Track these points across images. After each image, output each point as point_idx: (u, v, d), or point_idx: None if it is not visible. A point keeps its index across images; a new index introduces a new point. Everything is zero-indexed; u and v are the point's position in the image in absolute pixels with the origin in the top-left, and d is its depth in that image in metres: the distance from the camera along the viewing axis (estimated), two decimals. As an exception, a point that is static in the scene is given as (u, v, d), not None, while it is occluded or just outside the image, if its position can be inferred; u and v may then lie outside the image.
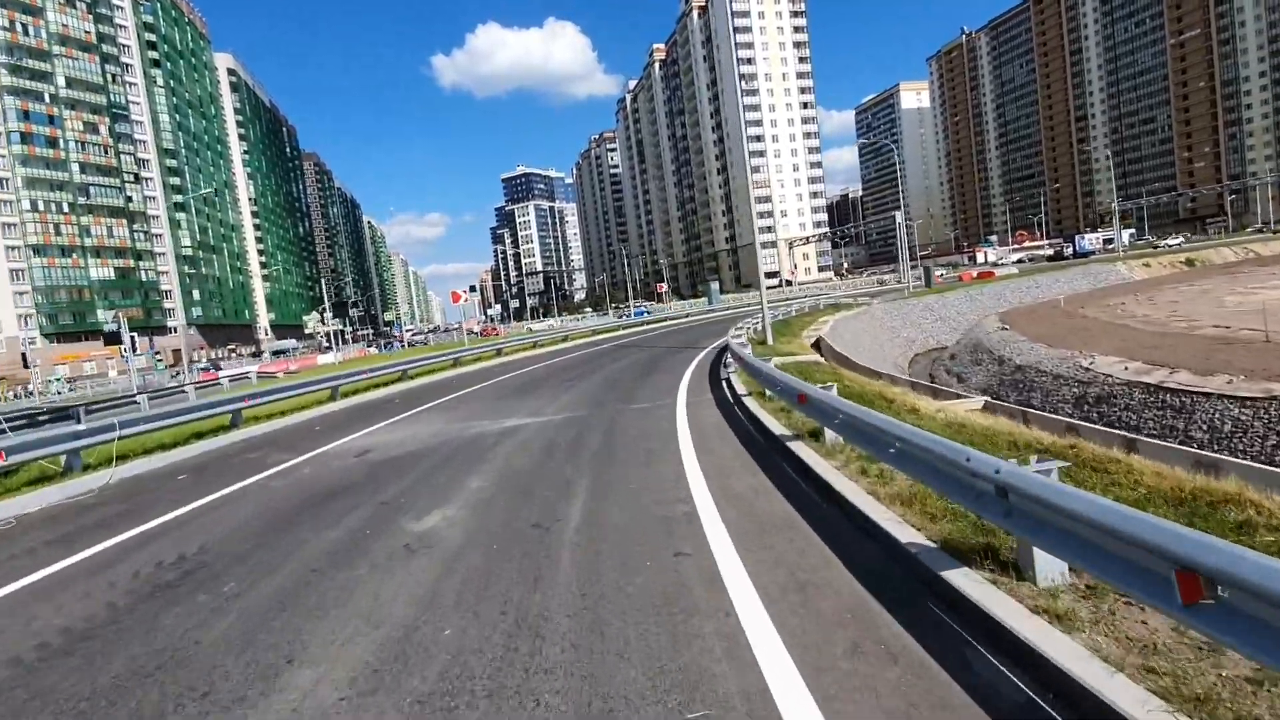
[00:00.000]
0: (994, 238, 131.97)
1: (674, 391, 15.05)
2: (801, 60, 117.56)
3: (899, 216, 52.41)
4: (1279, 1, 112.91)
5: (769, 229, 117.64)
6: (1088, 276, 53.75)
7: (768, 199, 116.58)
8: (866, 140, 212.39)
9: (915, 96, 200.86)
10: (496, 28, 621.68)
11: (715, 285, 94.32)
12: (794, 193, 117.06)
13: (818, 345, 28.04)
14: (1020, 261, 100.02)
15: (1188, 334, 22.97)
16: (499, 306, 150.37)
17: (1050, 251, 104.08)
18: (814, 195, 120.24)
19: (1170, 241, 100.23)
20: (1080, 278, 53.30)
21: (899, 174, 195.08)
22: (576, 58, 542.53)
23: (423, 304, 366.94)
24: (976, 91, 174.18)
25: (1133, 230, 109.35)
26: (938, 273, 67.77)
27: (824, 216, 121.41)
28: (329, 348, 63.43)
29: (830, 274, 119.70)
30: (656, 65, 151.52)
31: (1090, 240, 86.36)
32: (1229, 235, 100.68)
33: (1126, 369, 18.64)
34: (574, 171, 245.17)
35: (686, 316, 57.54)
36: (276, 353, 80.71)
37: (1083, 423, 13.81)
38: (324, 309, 71.88)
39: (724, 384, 15.36)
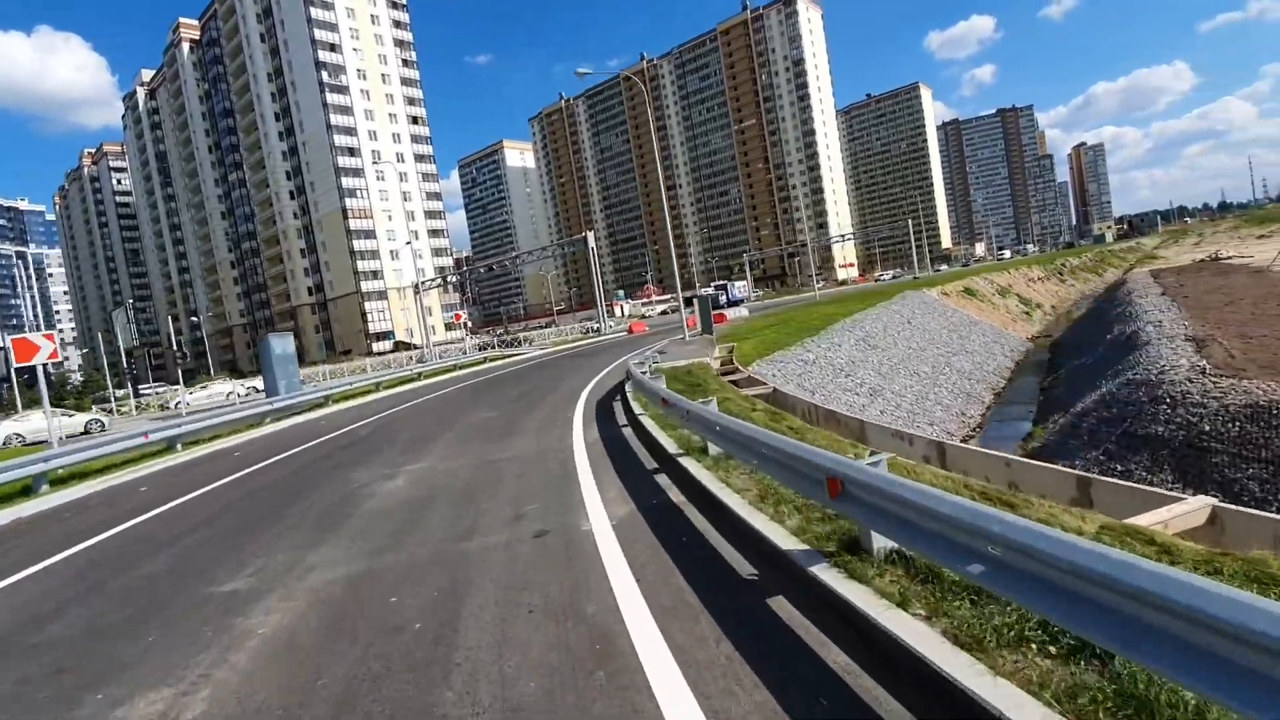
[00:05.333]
0: (622, 292, 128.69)
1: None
2: (407, 64, 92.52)
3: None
4: (806, 104, 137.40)
5: (375, 274, 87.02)
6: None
7: (370, 233, 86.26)
8: (472, 193, 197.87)
9: (519, 155, 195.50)
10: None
11: (281, 350, 59.73)
12: (407, 229, 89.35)
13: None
14: (666, 312, 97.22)
15: None
16: None
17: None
18: (434, 234, 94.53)
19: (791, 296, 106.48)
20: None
21: (513, 229, 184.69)
22: (89, 79, 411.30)
23: None
24: (579, 155, 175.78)
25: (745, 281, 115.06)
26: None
27: (448, 261, 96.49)
28: None
29: (461, 333, 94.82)
30: (185, 47, 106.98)
31: (740, 288, 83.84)
32: (799, 288, 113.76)
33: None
34: (55, 202, 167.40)
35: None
36: None
37: None
38: None
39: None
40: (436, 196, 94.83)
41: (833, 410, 13.63)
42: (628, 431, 9.84)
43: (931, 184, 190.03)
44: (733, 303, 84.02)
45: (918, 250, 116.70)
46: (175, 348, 41.28)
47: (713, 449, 6.97)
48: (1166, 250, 48.51)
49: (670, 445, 7.80)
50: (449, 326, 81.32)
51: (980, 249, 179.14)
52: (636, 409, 11.04)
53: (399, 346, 77.89)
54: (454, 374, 28.54)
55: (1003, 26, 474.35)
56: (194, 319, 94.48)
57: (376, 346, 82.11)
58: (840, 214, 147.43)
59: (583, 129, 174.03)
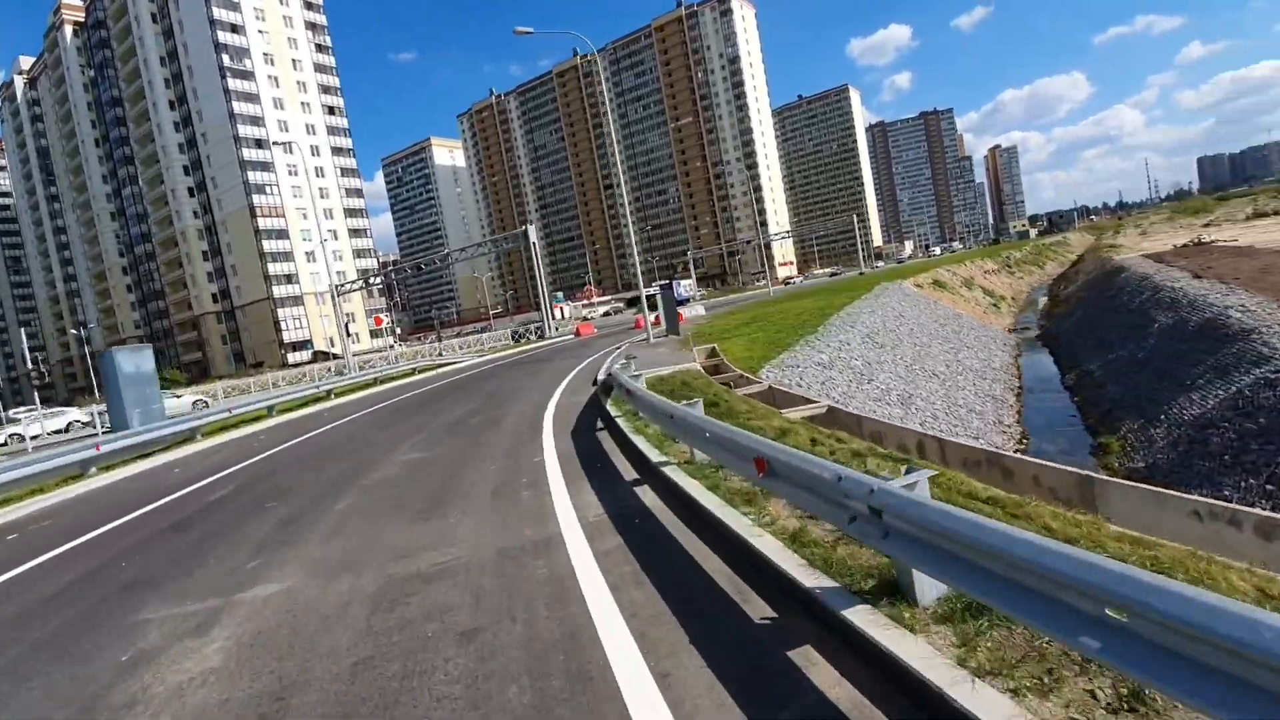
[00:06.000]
0: (560, 294, 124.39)
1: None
2: (321, 49, 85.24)
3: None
4: (742, 102, 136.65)
5: (289, 278, 79.63)
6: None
7: (283, 233, 78.80)
8: (397, 193, 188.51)
9: (449, 154, 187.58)
10: None
11: (134, 368, 53.47)
12: (324, 228, 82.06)
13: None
14: (608, 314, 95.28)
15: None
16: None
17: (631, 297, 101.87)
18: (356, 234, 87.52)
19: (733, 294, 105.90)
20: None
21: (443, 231, 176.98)
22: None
23: None
24: (512, 153, 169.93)
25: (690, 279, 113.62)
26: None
27: (372, 264, 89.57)
28: None
29: (391, 340, 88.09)
30: (68, 30, 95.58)
31: (686, 287, 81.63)
32: (741, 287, 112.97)
33: None
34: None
35: None
36: None
37: None
38: None
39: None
40: (357, 193, 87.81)
41: (915, 430, 10.31)
42: (646, 496, 6.06)
43: (862, 184, 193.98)
44: (681, 301, 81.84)
45: (863, 247, 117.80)
46: (34, 366, 34.35)
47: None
48: (1124, 239, 48.48)
49: (780, 555, 4.04)
50: (375, 334, 74.99)
51: (909, 247, 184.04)
52: (645, 448, 7.30)
53: (318, 357, 70.98)
54: (375, 389, 23.91)
55: (919, 35, 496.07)
56: (82, 330, 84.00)
57: (292, 357, 74.77)
58: (779, 212, 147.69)
59: (515, 126, 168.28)
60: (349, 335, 55.17)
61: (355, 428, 14.06)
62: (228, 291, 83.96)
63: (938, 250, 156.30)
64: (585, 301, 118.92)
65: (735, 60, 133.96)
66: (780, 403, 12.39)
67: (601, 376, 14.95)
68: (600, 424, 9.85)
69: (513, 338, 47.68)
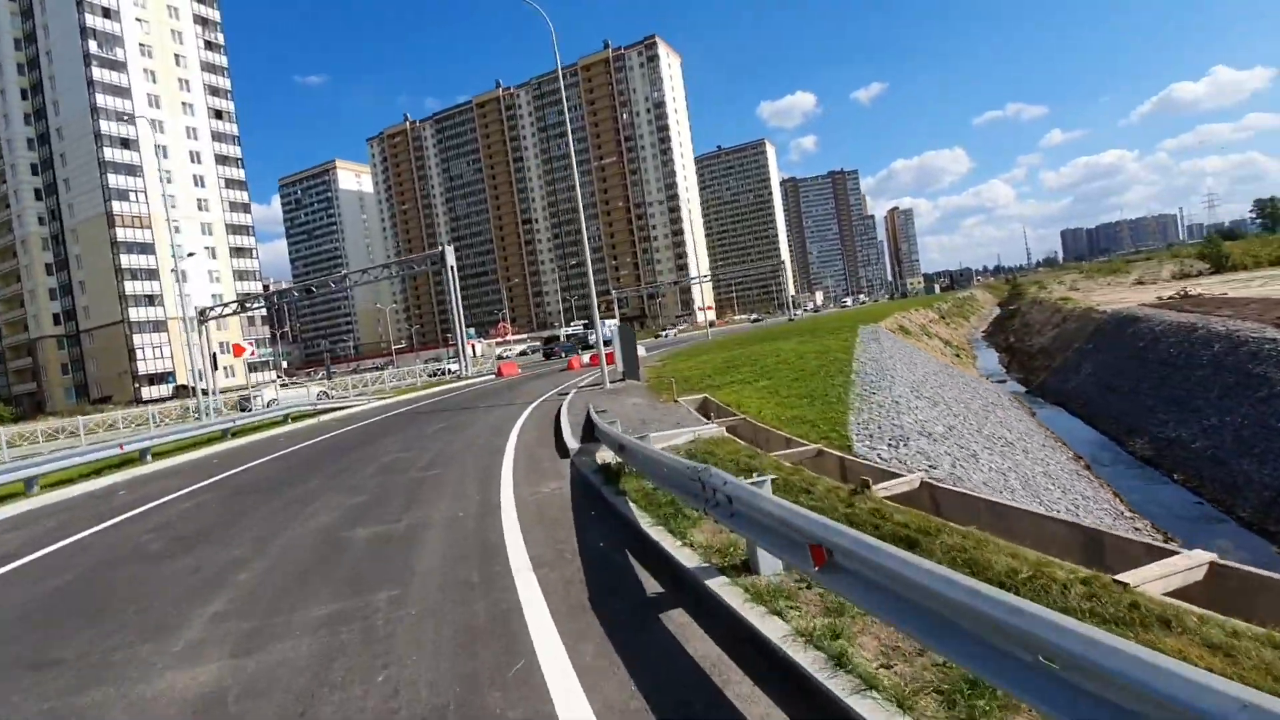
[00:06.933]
0: (473, 330, 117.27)
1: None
2: (211, 46, 76.21)
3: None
4: (667, 145, 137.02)
5: (151, 299, 68.90)
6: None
7: (147, 248, 68.24)
8: (295, 216, 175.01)
9: (355, 178, 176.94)
10: None
11: None
12: (202, 245, 72.00)
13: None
14: (524, 353, 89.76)
15: None
16: None
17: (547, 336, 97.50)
18: (239, 253, 77.49)
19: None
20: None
21: (344, 259, 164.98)
22: None
23: None
24: (426, 182, 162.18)
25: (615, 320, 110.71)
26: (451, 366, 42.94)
27: (257, 288, 79.41)
28: None
29: (271, 375, 77.61)
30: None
31: (610, 327, 78.04)
32: (658, 330, 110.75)
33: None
34: None
35: None
36: None
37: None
38: None
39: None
40: (244, 208, 78.12)
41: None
42: None
43: (776, 235, 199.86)
44: (606, 342, 77.63)
45: (789, 295, 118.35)
46: None
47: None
48: (1059, 293, 48.57)
49: None
50: (254, 368, 65.17)
51: (820, 297, 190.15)
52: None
53: (180, 392, 60.40)
54: (217, 447, 17.26)
55: (823, 103, 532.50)
56: None
57: (149, 391, 63.57)
58: (700, 257, 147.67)
59: (430, 154, 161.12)
60: (216, 368, 46.57)
61: (132, 549, 7.96)
62: (73, 312, 71.31)
63: (849, 301, 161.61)
64: (499, 339, 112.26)
65: (661, 105, 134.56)
66: (851, 474, 7.91)
67: (573, 444, 9.87)
68: (640, 573, 4.82)
69: (431, 375, 41.13)
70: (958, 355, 34.71)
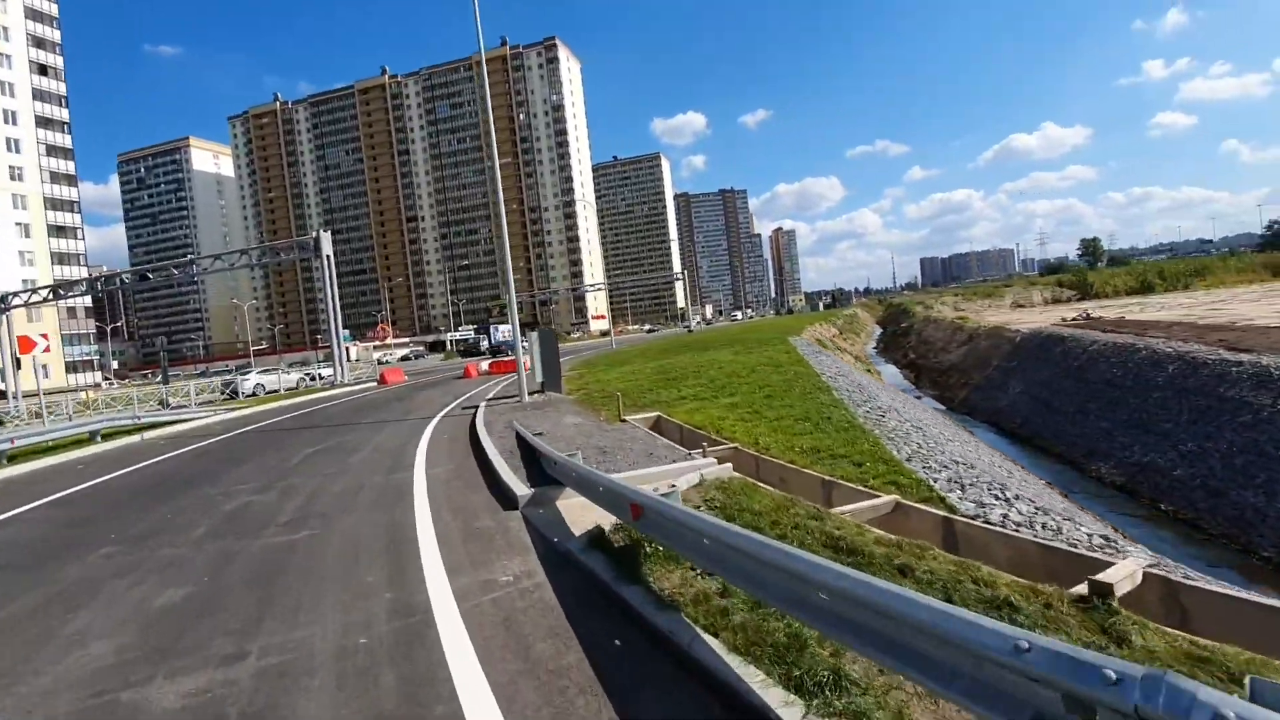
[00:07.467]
0: (348, 333, 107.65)
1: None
2: (23, -15, 64.23)
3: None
4: (564, 149, 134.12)
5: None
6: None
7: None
8: (137, 198, 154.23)
9: (212, 159, 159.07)
10: None
11: None
12: (13, 220, 60.19)
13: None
14: (406, 358, 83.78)
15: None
16: None
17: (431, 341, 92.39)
18: (60, 232, 65.66)
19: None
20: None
21: (195, 247, 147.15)
22: None
23: None
24: (297, 168, 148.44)
25: (508, 325, 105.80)
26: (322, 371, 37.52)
27: (81, 273, 67.65)
28: None
29: (96, 376, 65.96)
30: None
31: (504, 331, 74.37)
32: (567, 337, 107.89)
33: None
34: None
35: None
36: None
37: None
38: None
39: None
40: (69, 180, 66.42)
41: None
42: None
43: (669, 247, 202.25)
44: (497, 348, 73.51)
45: (682, 306, 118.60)
46: None
47: None
48: (948, 314, 50.82)
49: None
50: (73, 367, 54.89)
51: (709, 310, 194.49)
52: None
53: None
54: None
55: (712, 125, 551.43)
56: None
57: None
58: (594, 265, 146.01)
59: (303, 139, 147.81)
60: (19, 367, 38.28)
61: None
62: None
63: (739, 315, 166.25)
64: (378, 342, 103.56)
65: (559, 108, 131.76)
66: (965, 546, 5.69)
67: (519, 489, 7.08)
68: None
69: (296, 383, 35.49)
70: (868, 370, 34.61)
